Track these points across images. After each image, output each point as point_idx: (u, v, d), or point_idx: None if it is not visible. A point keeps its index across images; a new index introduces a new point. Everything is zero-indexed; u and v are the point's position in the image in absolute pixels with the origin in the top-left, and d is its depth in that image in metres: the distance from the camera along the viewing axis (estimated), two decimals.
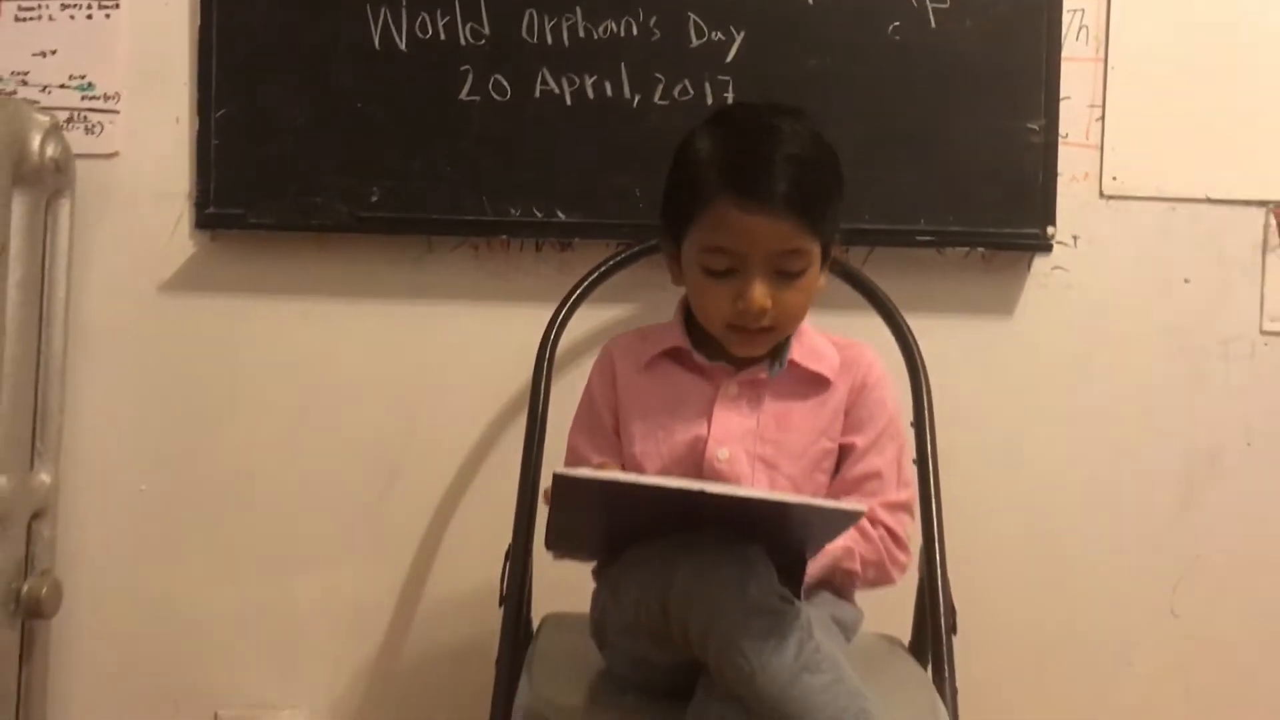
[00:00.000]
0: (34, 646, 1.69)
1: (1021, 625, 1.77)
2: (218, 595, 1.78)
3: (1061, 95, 1.71)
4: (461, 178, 1.71)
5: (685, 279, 1.33)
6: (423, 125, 1.71)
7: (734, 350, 1.34)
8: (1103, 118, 1.75)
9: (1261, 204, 1.76)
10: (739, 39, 1.70)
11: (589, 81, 1.71)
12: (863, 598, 1.39)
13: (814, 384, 1.36)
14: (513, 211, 1.72)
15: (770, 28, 1.70)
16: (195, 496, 1.78)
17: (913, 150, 1.71)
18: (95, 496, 1.77)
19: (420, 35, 1.71)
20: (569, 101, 1.71)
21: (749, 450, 1.32)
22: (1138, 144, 1.75)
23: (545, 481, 1.41)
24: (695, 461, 1.32)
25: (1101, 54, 1.75)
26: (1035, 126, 1.71)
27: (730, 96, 1.70)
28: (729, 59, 1.70)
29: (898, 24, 1.70)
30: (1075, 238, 1.76)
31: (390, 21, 1.71)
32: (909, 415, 1.52)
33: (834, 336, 1.40)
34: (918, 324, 1.60)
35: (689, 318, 1.37)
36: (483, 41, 1.71)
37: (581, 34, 1.70)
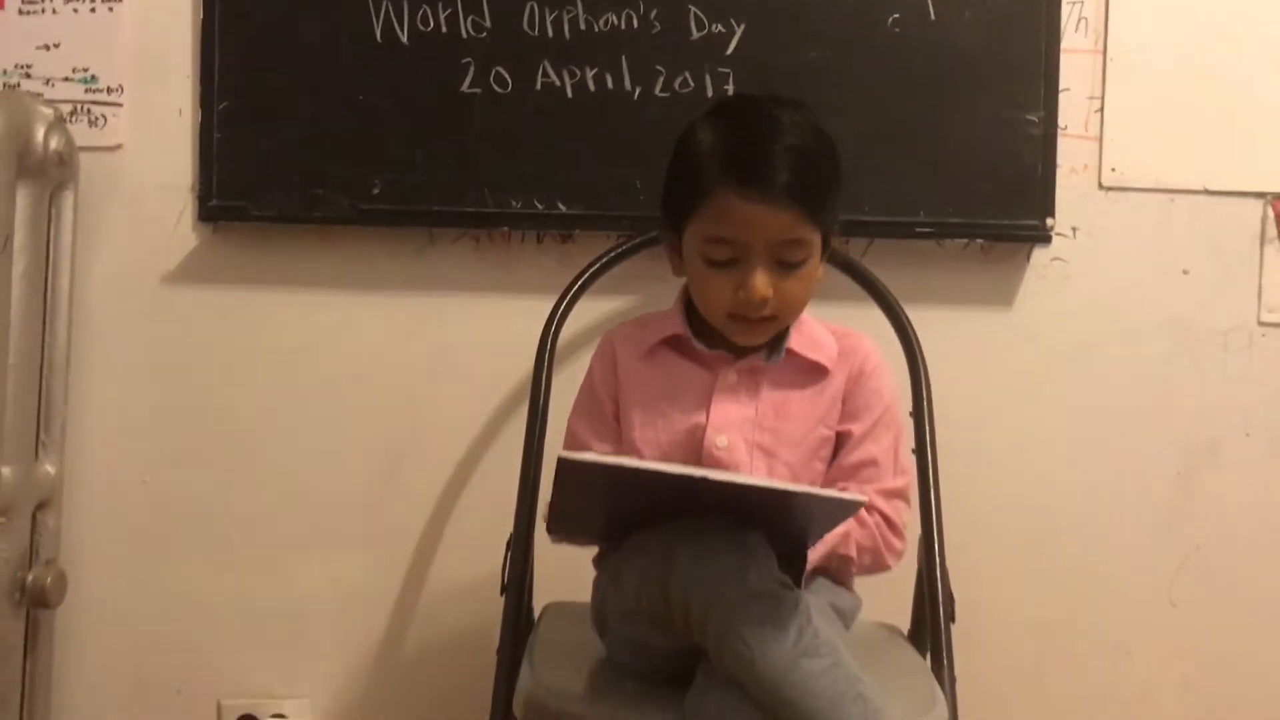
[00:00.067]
0: (39, 636, 1.70)
1: (1020, 614, 1.78)
2: (221, 585, 1.79)
3: (1061, 87, 1.72)
4: (463, 170, 1.72)
5: (686, 269, 1.34)
6: (424, 118, 1.72)
7: (735, 339, 1.35)
8: (1102, 109, 1.75)
9: (1259, 196, 1.77)
10: (739, 31, 1.71)
11: (590, 74, 1.71)
12: (862, 587, 1.40)
13: (812, 372, 1.37)
14: (514, 203, 1.72)
15: (770, 20, 1.71)
16: (198, 487, 1.79)
17: (912, 142, 1.71)
18: (99, 487, 1.78)
19: (422, 28, 1.72)
20: (570, 94, 1.71)
21: (747, 438, 1.33)
22: (1137, 136, 1.76)
23: (547, 471, 1.42)
24: (694, 449, 1.33)
25: (1100, 46, 1.75)
26: (1034, 118, 1.71)
27: (731, 89, 1.71)
28: (729, 51, 1.71)
29: (897, 16, 1.71)
30: (1074, 229, 1.76)
31: (392, 14, 1.72)
32: (908, 406, 1.53)
33: (832, 325, 1.41)
34: (917, 315, 1.61)
35: (689, 306, 1.38)
36: (484, 34, 1.71)
37: (582, 26, 1.71)
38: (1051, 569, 1.78)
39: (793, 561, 1.17)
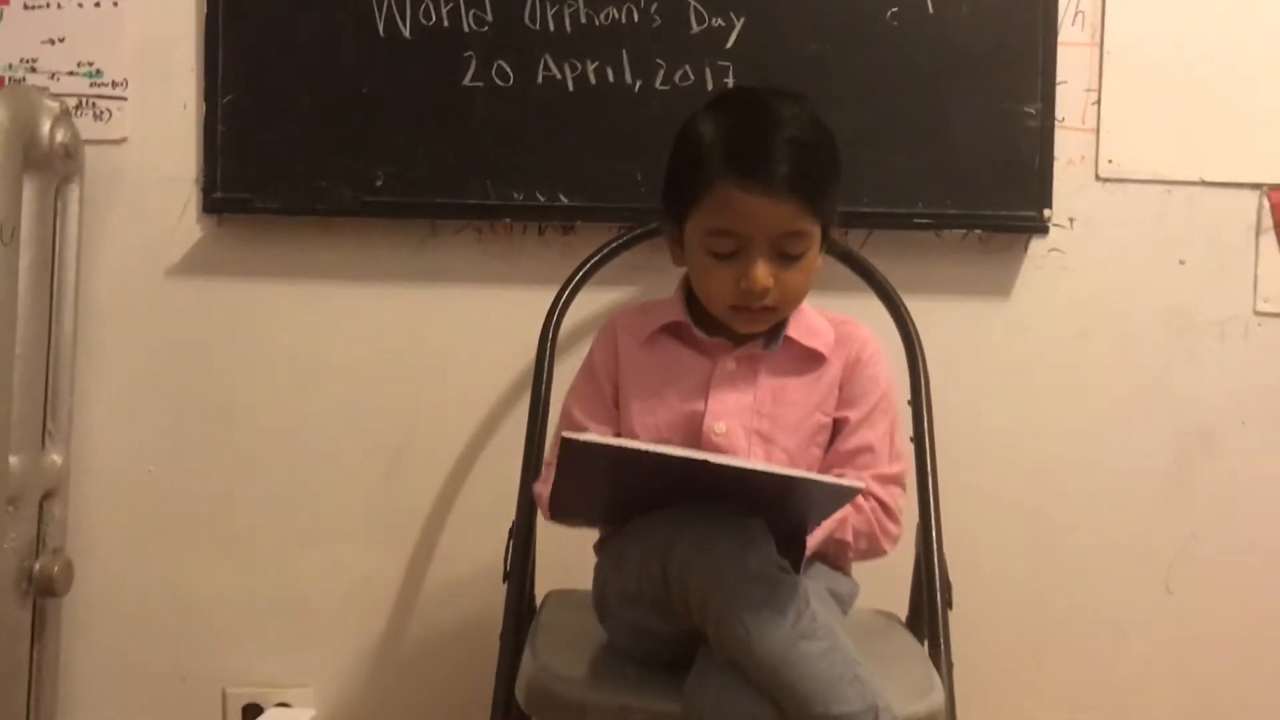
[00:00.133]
0: (46, 624, 1.71)
1: (1018, 602, 1.80)
2: (226, 574, 1.81)
3: (1058, 80, 1.73)
4: (465, 162, 1.73)
5: (687, 260, 1.36)
6: (427, 111, 1.73)
7: (736, 328, 1.36)
8: (1098, 102, 1.76)
9: (1255, 187, 1.78)
10: (739, 25, 1.72)
11: (591, 67, 1.72)
12: (861, 575, 1.41)
13: (809, 360, 1.38)
14: (515, 195, 1.73)
15: (770, 13, 1.72)
16: (203, 477, 1.81)
17: (911, 134, 1.72)
18: (105, 477, 1.80)
19: (424, 22, 1.73)
20: (571, 87, 1.73)
21: (745, 424, 1.34)
22: (1133, 127, 1.77)
23: (549, 457, 1.44)
24: (693, 435, 1.34)
25: (1097, 39, 1.76)
26: (1032, 110, 1.72)
27: (730, 82, 1.71)
28: (729, 45, 1.72)
29: (896, 10, 1.72)
30: (1071, 220, 1.78)
31: (394, 8, 1.73)
32: (906, 395, 1.54)
33: (829, 314, 1.42)
34: (916, 305, 1.62)
35: (689, 294, 1.39)
36: (485, 28, 1.72)
37: (583, 20, 1.72)
38: (1048, 556, 1.80)
39: (791, 547, 1.18)
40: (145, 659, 1.81)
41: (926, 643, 1.42)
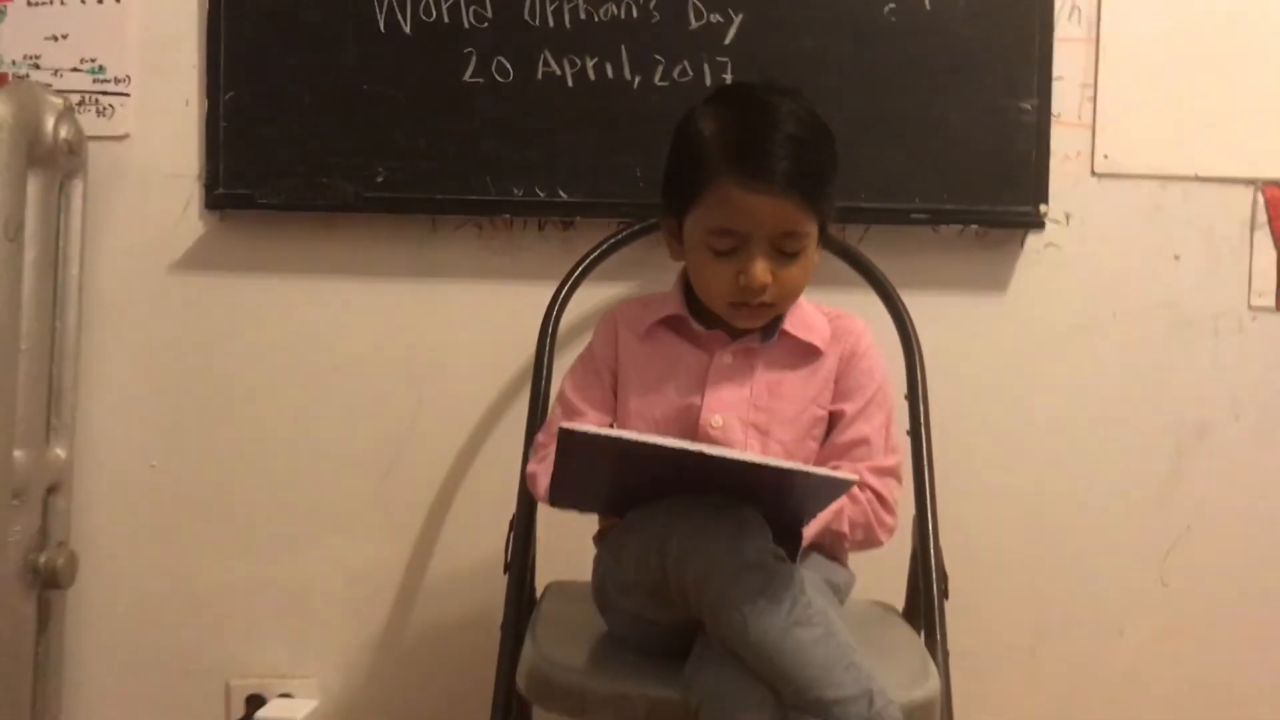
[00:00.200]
0: (50, 616, 1.73)
1: (1014, 594, 1.81)
2: (229, 568, 1.82)
3: (1054, 75, 1.74)
4: (465, 158, 1.74)
5: (686, 256, 1.37)
6: (427, 107, 1.74)
7: (735, 324, 1.37)
8: (1094, 97, 1.78)
9: (1250, 182, 1.79)
10: (737, 21, 1.73)
11: (590, 63, 1.73)
12: (858, 567, 1.42)
13: (805, 353, 1.39)
14: (516, 191, 1.75)
15: (768, 9, 1.73)
16: (206, 471, 1.82)
17: (908, 130, 1.73)
18: (108, 471, 1.81)
19: (424, 18, 1.74)
20: (570, 83, 1.74)
21: (742, 417, 1.36)
22: (1129, 123, 1.78)
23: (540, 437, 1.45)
24: (690, 428, 1.35)
25: (1093, 35, 1.77)
26: (1028, 106, 1.73)
27: (729, 78, 1.72)
28: (727, 41, 1.73)
29: (893, 6, 1.73)
30: (1067, 215, 1.79)
31: (395, 5, 1.74)
32: (903, 388, 1.56)
33: (825, 308, 1.44)
34: (913, 300, 1.63)
35: (687, 288, 1.40)
36: (485, 24, 1.73)
37: (583, 16, 1.73)
38: (1044, 548, 1.81)
39: (787, 538, 1.19)
40: (149, 650, 1.82)
41: (923, 633, 1.43)
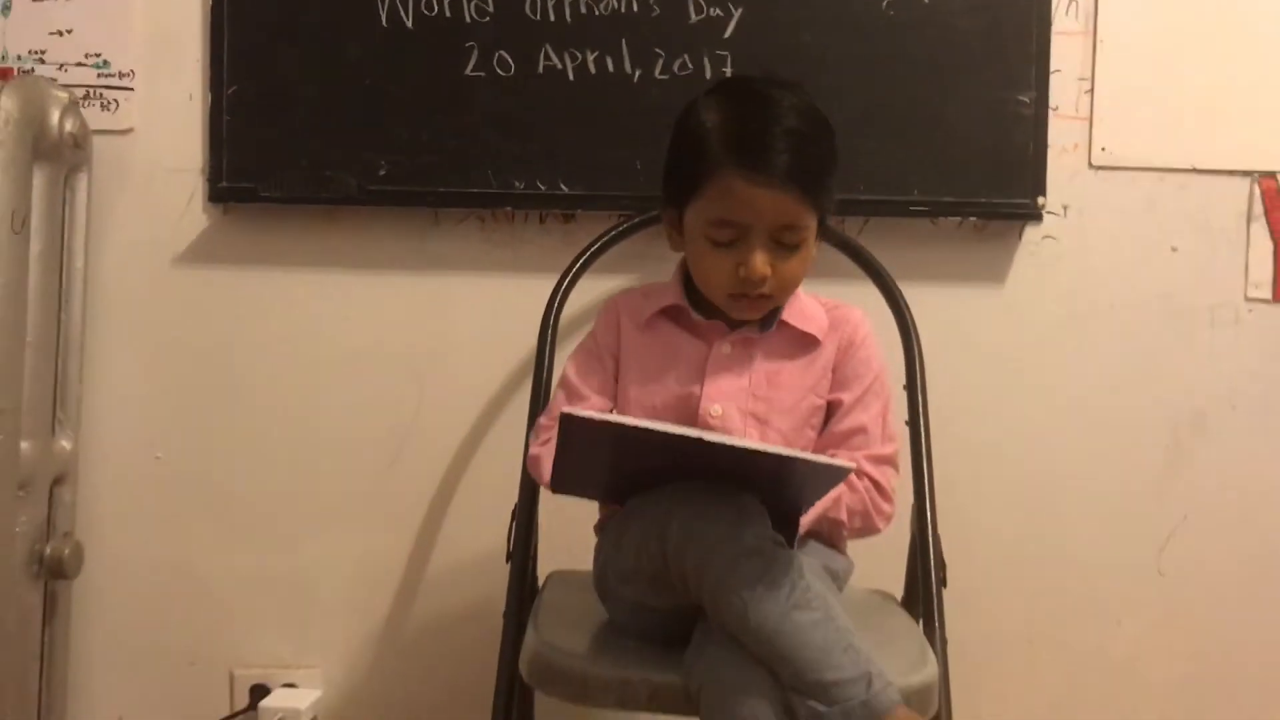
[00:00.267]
0: (57, 606, 1.74)
1: (1013, 584, 1.82)
2: (232, 558, 1.83)
3: (1052, 69, 1.75)
4: (467, 152, 1.75)
5: (686, 246, 1.38)
6: (429, 101, 1.75)
7: (733, 315, 1.38)
8: (1092, 90, 1.79)
9: (1246, 174, 1.80)
10: (736, 15, 1.74)
11: (590, 57, 1.74)
12: (858, 556, 1.43)
13: (803, 343, 1.40)
14: (517, 184, 1.76)
15: (767, 3, 1.73)
16: (210, 463, 1.83)
17: (907, 123, 1.74)
18: (114, 463, 1.82)
19: (426, 13, 1.75)
20: (571, 77, 1.75)
21: (741, 407, 1.37)
22: (1126, 116, 1.79)
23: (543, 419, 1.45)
24: (689, 417, 1.36)
25: (1091, 28, 1.78)
26: (1026, 99, 1.74)
27: (728, 71, 1.73)
28: (727, 34, 1.74)
29: None
30: (1065, 207, 1.80)
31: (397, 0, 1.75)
32: (901, 379, 1.57)
33: (822, 298, 1.45)
34: (912, 292, 1.64)
35: (687, 278, 1.41)
36: (487, 19, 1.74)
37: (583, 10, 1.73)
38: (1042, 539, 1.82)
39: (786, 525, 1.21)
40: (154, 640, 1.83)
41: (921, 621, 1.44)
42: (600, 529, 1.41)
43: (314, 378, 1.82)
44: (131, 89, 1.80)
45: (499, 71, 1.75)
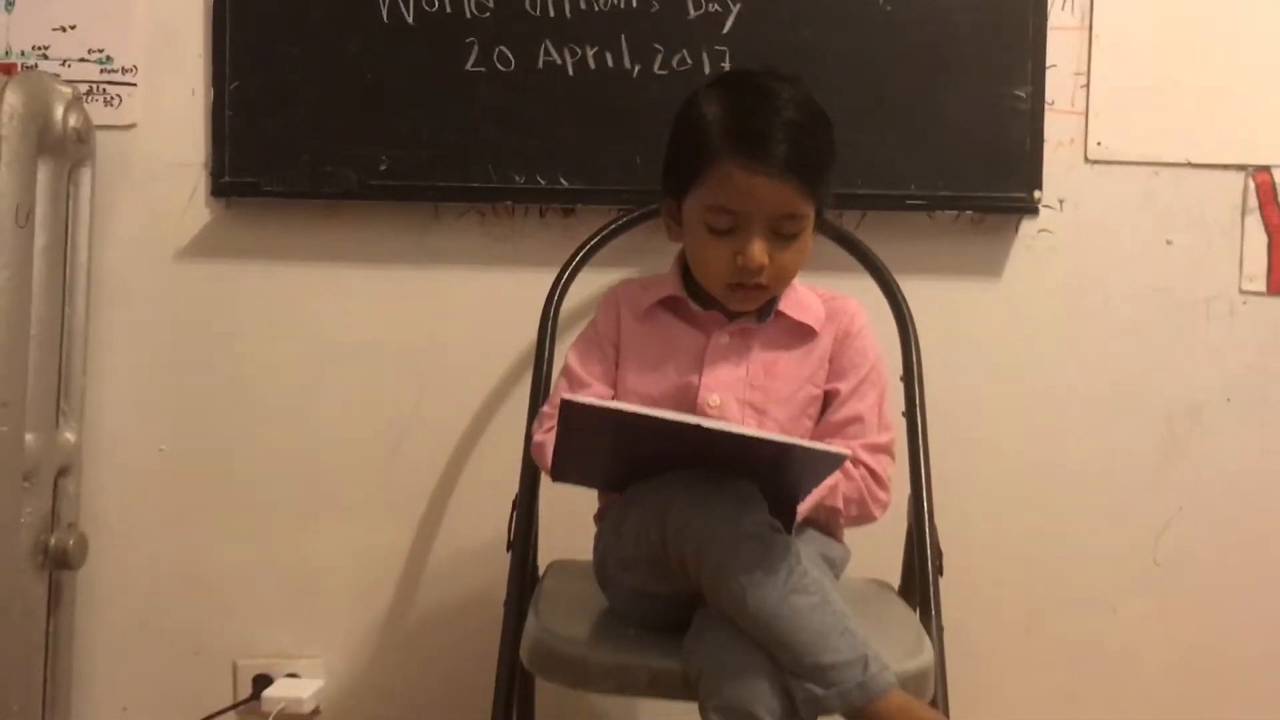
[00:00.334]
0: (61, 597, 1.75)
1: (1008, 573, 1.83)
2: (236, 550, 1.84)
3: (1048, 63, 1.76)
4: (467, 146, 1.76)
5: (685, 236, 1.39)
6: (430, 96, 1.76)
7: (730, 305, 1.39)
8: (1088, 85, 1.80)
9: (1241, 168, 1.81)
10: (735, 10, 1.74)
11: (590, 52, 1.75)
12: (855, 546, 1.44)
13: (800, 334, 1.42)
14: (517, 179, 1.77)
15: None
16: (212, 455, 1.84)
17: (904, 117, 1.75)
18: (117, 455, 1.83)
19: (427, 9, 1.76)
20: (571, 72, 1.75)
21: (739, 396, 1.38)
22: (1122, 110, 1.80)
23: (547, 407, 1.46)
24: (687, 407, 1.37)
25: (1086, 23, 1.79)
26: (1022, 94, 1.75)
27: (727, 66, 1.74)
28: (726, 30, 1.75)
29: None
30: (1061, 201, 1.81)
31: None
32: (898, 370, 1.58)
33: (819, 290, 1.46)
34: (909, 285, 1.66)
35: (685, 270, 1.42)
36: (487, 14, 1.75)
37: (583, 6, 1.74)
38: (1038, 529, 1.83)
39: (783, 512, 1.22)
40: (158, 630, 1.84)
41: (918, 609, 1.45)
42: (600, 518, 1.42)
43: (316, 371, 1.84)
44: (134, 84, 1.81)
45: (499, 67, 1.76)
